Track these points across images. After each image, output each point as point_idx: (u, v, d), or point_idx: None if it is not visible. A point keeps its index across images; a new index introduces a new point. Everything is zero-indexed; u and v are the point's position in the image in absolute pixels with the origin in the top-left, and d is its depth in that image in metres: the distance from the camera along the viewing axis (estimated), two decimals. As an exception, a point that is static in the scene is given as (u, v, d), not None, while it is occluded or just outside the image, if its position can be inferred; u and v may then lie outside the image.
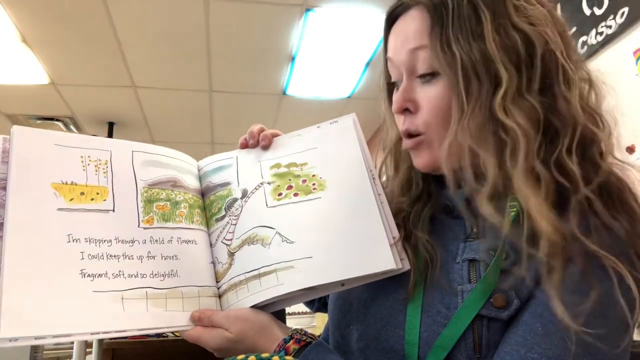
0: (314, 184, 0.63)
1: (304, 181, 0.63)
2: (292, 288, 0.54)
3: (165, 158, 0.64)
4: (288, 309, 2.36)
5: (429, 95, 0.55)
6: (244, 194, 0.63)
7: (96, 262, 0.51)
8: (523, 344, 0.47)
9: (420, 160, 0.58)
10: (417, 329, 0.52)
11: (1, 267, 0.45)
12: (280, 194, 0.62)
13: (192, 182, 0.65)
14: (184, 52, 2.96)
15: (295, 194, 0.62)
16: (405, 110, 0.57)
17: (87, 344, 1.59)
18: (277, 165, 0.66)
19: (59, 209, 0.52)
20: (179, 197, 0.62)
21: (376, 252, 0.55)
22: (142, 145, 0.63)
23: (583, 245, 0.47)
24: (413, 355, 0.52)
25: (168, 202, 0.60)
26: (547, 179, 0.49)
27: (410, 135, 0.58)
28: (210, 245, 0.61)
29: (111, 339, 1.75)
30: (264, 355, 0.48)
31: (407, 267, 0.56)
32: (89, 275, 0.49)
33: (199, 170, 0.68)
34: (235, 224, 0.61)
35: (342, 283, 0.56)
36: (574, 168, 0.49)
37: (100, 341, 1.68)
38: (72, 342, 1.58)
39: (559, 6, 1.95)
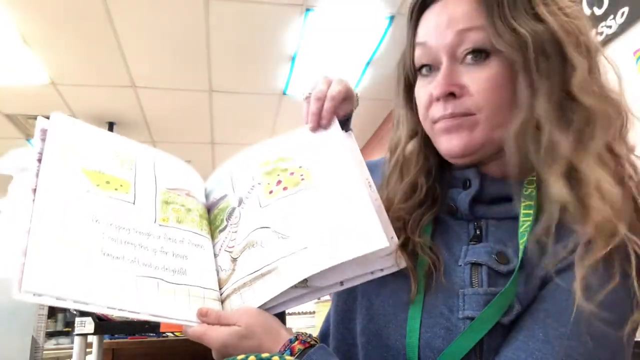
0: (301, 175, 0.63)
1: (292, 173, 0.64)
2: (293, 280, 0.54)
3: (182, 170, 0.70)
4: (288, 309, 2.35)
5: (480, 77, 0.53)
6: (240, 202, 0.65)
7: (115, 244, 0.53)
8: (524, 349, 0.47)
9: (457, 142, 0.55)
10: (417, 332, 0.53)
11: (31, 229, 0.48)
12: (271, 192, 0.63)
13: (201, 197, 0.70)
14: (184, 52, 2.96)
15: (285, 188, 0.63)
16: (448, 96, 0.55)
17: (87, 344, 1.59)
18: (266, 163, 0.67)
19: (87, 191, 0.55)
20: (192, 205, 0.66)
21: (367, 233, 0.55)
22: (164, 153, 0.69)
23: (619, 229, 0.48)
24: (414, 357, 0.52)
25: (182, 207, 0.64)
26: (610, 162, 0.51)
27: (453, 117, 0.56)
28: (215, 255, 0.63)
29: (111, 338, 1.75)
30: (264, 355, 0.48)
31: (403, 264, 0.56)
32: (108, 255, 0.52)
33: (205, 190, 0.72)
34: (236, 231, 0.62)
35: (341, 282, 0.56)
36: (622, 156, 0.52)
37: (101, 341, 1.68)
38: (73, 343, 1.58)
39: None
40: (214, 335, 0.52)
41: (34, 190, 0.51)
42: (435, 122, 0.57)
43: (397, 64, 0.65)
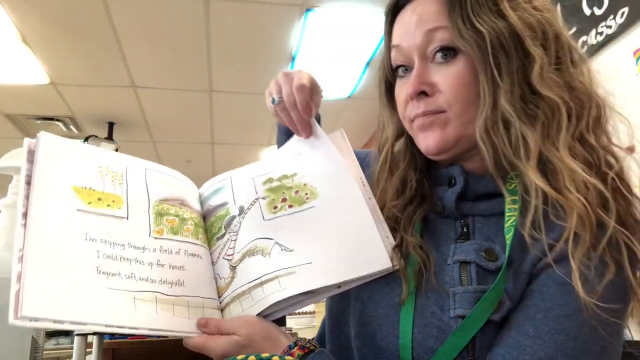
0: (306, 194, 0.65)
1: (297, 192, 0.66)
2: (295, 291, 0.55)
3: (174, 179, 0.69)
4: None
5: (449, 75, 0.55)
6: (241, 211, 0.65)
7: (110, 261, 0.53)
8: (515, 345, 0.48)
9: (432, 140, 0.57)
10: (410, 333, 0.53)
11: (23, 255, 0.47)
12: (275, 207, 0.64)
13: (196, 205, 0.69)
14: (184, 52, 2.96)
15: (290, 206, 0.64)
16: (420, 94, 0.57)
17: (87, 344, 1.59)
18: (270, 180, 0.68)
19: (78, 210, 0.55)
20: (186, 215, 0.65)
21: (372, 253, 0.57)
22: (154, 164, 0.68)
23: (604, 221, 0.48)
24: (407, 358, 0.52)
25: (177, 218, 0.64)
26: (582, 153, 0.51)
27: (426, 115, 0.57)
28: (212, 263, 0.63)
29: (111, 338, 1.75)
30: (264, 355, 0.48)
31: (397, 266, 0.58)
32: (103, 273, 0.52)
33: (200, 196, 0.72)
34: (235, 239, 0.63)
35: (338, 285, 0.57)
36: (596, 146, 0.52)
37: (100, 341, 1.68)
38: (73, 343, 1.58)
39: (559, 6, 1.95)
40: (214, 345, 0.53)
41: (25, 215, 0.50)
42: (412, 120, 0.59)
43: (378, 67, 0.66)
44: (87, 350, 1.61)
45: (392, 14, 0.61)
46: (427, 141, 0.58)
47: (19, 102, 3.49)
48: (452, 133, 0.56)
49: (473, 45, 0.53)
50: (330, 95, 3.54)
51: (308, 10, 2.59)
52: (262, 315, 0.56)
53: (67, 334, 3.56)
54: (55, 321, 0.45)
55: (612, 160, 0.53)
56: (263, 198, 0.66)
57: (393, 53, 0.61)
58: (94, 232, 0.54)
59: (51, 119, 3.72)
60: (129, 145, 4.15)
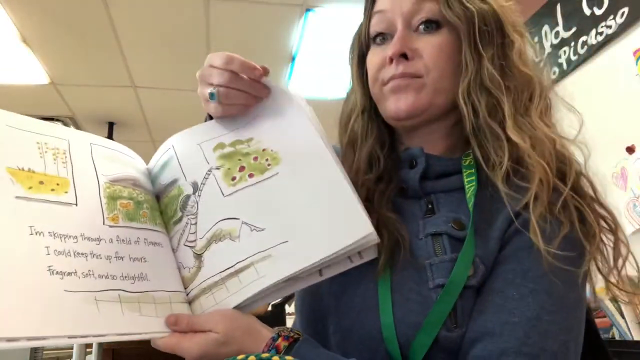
0: (267, 160, 0.57)
1: (255, 158, 0.58)
2: (275, 278, 0.49)
3: (123, 155, 0.60)
4: (288, 309, 2.35)
5: (431, 43, 0.60)
6: (195, 188, 0.57)
7: (63, 258, 0.45)
8: (502, 310, 0.51)
9: (404, 102, 0.60)
10: (390, 311, 0.53)
11: None
12: (234, 178, 0.57)
13: (148, 184, 0.61)
14: (184, 52, 2.96)
15: (251, 175, 0.57)
16: (400, 57, 0.60)
17: (87, 344, 1.59)
18: (221, 146, 0.59)
19: (17, 197, 0.45)
20: (141, 197, 0.57)
21: (352, 220, 0.51)
22: (99, 138, 0.59)
23: (559, 187, 0.54)
24: (391, 337, 0.52)
25: (131, 201, 0.55)
26: (543, 127, 0.57)
27: (403, 77, 0.60)
28: (173, 250, 0.56)
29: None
30: (264, 355, 0.47)
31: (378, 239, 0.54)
32: (57, 273, 0.44)
33: (149, 173, 0.63)
34: (196, 223, 0.55)
35: (320, 272, 0.52)
36: (554, 125, 0.60)
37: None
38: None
39: (558, 7, 1.95)
40: (189, 345, 0.49)
41: None
42: (385, 84, 0.61)
43: (353, 36, 0.69)
44: (87, 350, 1.61)
45: None
46: (399, 103, 0.60)
47: (19, 102, 3.49)
48: (425, 99, 0.60)
49: (462, 18, 0.58)
50: (330, 96, 3.54)
51: (308, 10, 2.59)
52: (239, 307, 0.51)
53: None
54: (9, 340, 0.37)
55: (564, 138, 0.59)
56: (217, 168, 0.57)
57: (375, 19, 0.64)
58: (39, 224, 0.45)
59: (51, 119, 3.71)
60: (129, 145, 4.10)
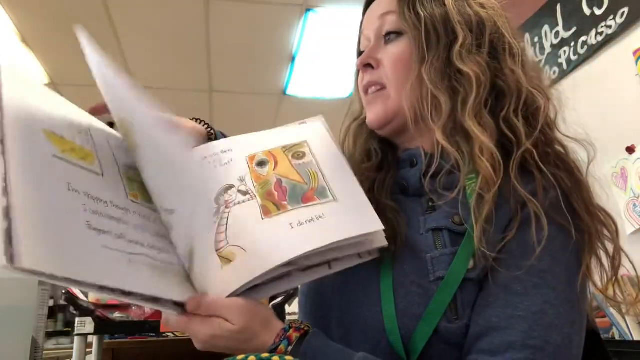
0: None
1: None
2: (283, 258, 0.50)
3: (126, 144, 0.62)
4: (288, 309, 2.35)
5: (391, 52, 0.64)
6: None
7: (98, 218, 0.47)
8: (507, 305, 0.52)
9: (374, 113, 0.65)
10: (392, 303, 0.55)
11: (10, 210, 0.40)
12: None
13: None
14: (184, 52, 2.96)
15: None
16: (367, 67, 0.66)
17: (87, 344, 1.59)
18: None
19: (54, 156, 0.47)
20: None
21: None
22: (113, 131, 0.63)
23: (516, 190, 0.55)
24: (394, 329, 0.54)
25: (143, 186, 0.57)
26: (492, 127, 0.58)
27: (370, 88, 0.66)
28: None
29: (111, 338, 1.75)
30: (264, 355, 0.48)
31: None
32: (94, 229, 0.45)
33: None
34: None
35: (329, 265, 0.53)
36: (520, 126, 0.58)
37: (101, 341, 1.68)
38: (73, 343, 1.58)
39: (559, 7, 1.95)
40: (202, 327, 0.49)
41: (1, 141, 0.42)
42: (365, 94, 0.67)
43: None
44: (87, 350, 1.61)
45: (365, 7, 0.71)
46: (370, 115, 0.66)
47: (19, 102, 3.49)
48: (391, 108, 0.64)
49: (412, 26, 0.62)
50: (330, 95, 3.54)
51: (308, 10, 2.60)
52: (248, 287, 0.50)
53: (67, 334, 3.56)
54: (49, 276, 0.39)
55: (559, 149, 0.60)
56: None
57: (362, 39, 0.71)
58: (75, 183, 0.46)
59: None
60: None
